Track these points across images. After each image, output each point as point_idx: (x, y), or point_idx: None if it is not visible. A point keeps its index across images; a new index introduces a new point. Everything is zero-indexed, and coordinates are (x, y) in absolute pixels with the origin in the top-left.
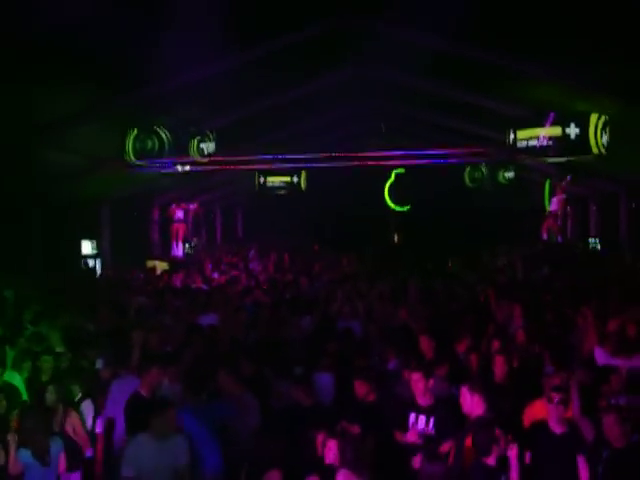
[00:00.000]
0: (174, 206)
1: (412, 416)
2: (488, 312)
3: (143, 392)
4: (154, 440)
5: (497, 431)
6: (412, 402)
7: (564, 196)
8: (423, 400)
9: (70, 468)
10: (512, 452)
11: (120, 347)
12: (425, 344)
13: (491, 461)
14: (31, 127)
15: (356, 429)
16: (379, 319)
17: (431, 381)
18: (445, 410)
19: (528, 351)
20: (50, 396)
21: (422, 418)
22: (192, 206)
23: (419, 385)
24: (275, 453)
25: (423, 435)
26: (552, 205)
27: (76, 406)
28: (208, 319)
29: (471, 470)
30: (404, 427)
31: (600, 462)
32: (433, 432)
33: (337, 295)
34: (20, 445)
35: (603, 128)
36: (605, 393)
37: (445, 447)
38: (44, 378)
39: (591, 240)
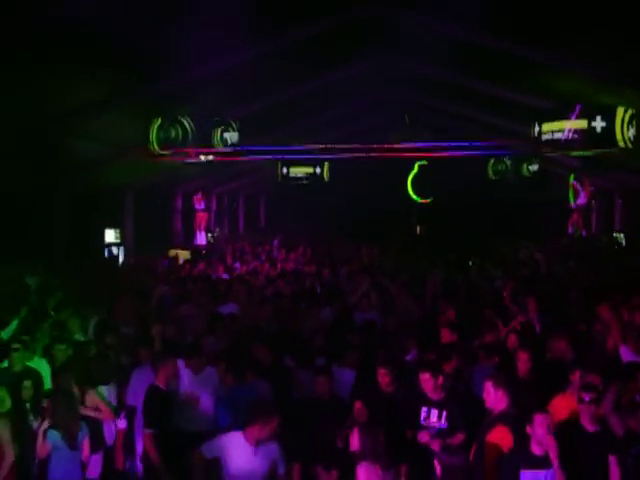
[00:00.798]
0: (197, 195)
1: (424, 410)
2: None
3: (159, 384)
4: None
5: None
6: (424, 396)
7: (592, 189)
8: (434, 395)
9: (92, 450)
10: (552, 445)
11: (141, 337)
12: (447, 337)
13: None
14: (55, 115)
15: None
16: (400, 312)
17: (440, 378)
18: (457, 403)
19: (549, 346)
20: (64, 383)
21: (434, 412)
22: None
23: (428, 384)
24: (292, 444)
25: (436, 429)
26: (580, 199)
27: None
28: (228, 308)
29: (512, 457)
30: (416, 421)
31: (629, 458)
32: (445, 426)
33: (358, 286)
34: (50, 427)
35: (630, 122)
36: (631, 390)
37: (457, 439)
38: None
39: (616, 235)
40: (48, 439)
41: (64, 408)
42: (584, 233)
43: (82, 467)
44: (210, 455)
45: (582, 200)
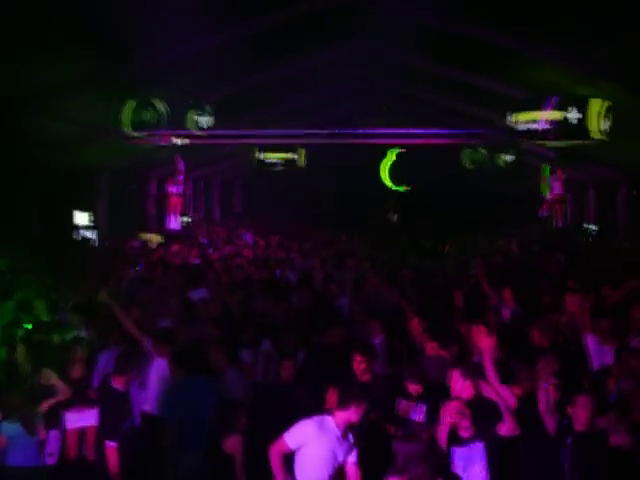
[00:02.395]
0: (171, 179)
1: (402, 403)
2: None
3: (118, 387)
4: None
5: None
6: (401, 389)
7: (563, 180)
8: (413, 389)
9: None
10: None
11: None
12: (415, 326)
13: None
14: (28, 95)
15: None
16: (368, 297)
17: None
18: (436, 397)
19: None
20: (19, 356)
21: (413, 405)
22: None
23: (411, 387)
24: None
25: (413, 422)
26: (555, 188)
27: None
28: (199, 293)
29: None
30: (391, 413)
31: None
32: (424, 420)
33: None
34: (4, 419)
35: (604, 113)
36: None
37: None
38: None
39: (588, 226)
40: (3, 432)
41: (19, 398)
42: (559, 224)
43: (40, 448)
44: (295, 444)
45: (556, 191)
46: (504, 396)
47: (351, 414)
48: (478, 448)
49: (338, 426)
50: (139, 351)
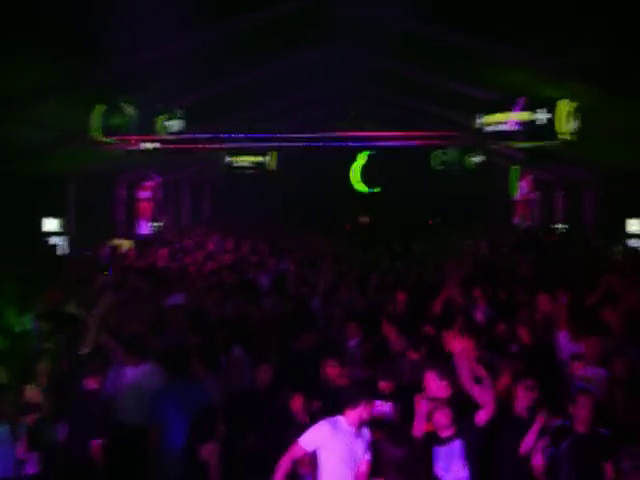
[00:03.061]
0: (141, 184)
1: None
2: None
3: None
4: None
5: None
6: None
7: (531, 181)
8: (384, 386)
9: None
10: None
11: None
12: (387, 329)
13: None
14: None
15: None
16: (342, 301)
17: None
18: (409, 396)
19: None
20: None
21: (383, 404)
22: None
23: (383, 385)
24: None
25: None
26: (522, 190)
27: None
28: (175, 299)
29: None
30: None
31: (560, 452)
32: (396, 418)
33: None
34: None
35: (571, 114)
36: None
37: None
38: None
39: (557, 226)
40: None
41: (9, 401)
42: (527, 224)
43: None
44: (312, 447)
45: (525, 192)
46: (479, 397)
47: (361, 412)
48: (457, 445)
49: (351, 425)
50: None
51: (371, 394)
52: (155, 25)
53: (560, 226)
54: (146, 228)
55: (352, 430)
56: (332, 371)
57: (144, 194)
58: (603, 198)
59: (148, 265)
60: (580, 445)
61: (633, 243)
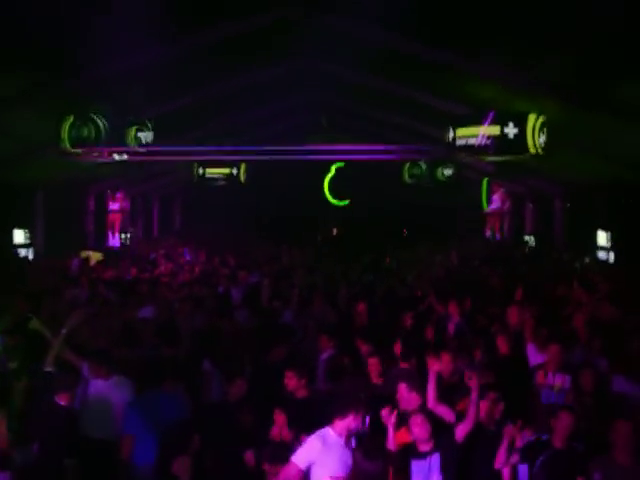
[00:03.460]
0: (110, 196)
1: None
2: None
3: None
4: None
5: None
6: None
7: (503, 193)
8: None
9: None
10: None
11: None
12: (360, 345)
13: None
14: None
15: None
16: (315, 314)
17: None
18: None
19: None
20: None
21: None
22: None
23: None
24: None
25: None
26: (494, 203)
27: None
28: (145, 312)
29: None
30: None
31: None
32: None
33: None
34: None
35: (541, 129)
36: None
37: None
38: None
39: (526, 237)
40: None
41: None
42: (498, 236)
43: None
44: (305, 464)
45: (496, 204)
46: (443, 414)
47: (350, 422)
48: (435, 459)
49: (340, 435)
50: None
51: (359, 404)
52: (126, 37)
53: (529, 238)
54: (116, 240)
55: (341, 441)
56: (290, 383)
57: (113, 205)
58: (571, 211)
59: (117, 277)
60: (556, 460)
61: (602, 255)
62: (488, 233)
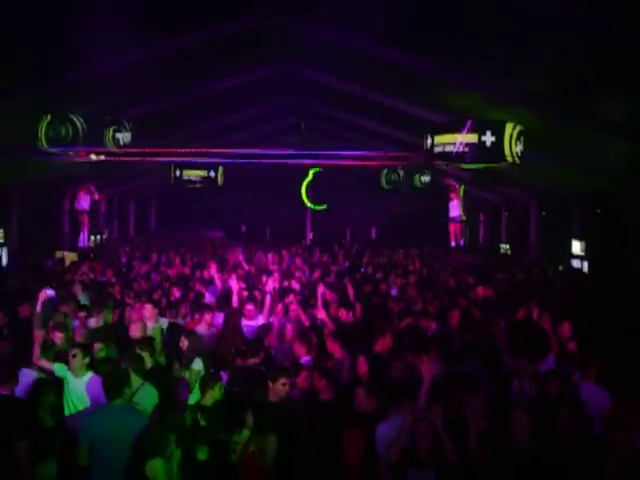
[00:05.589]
0: (80, 195)
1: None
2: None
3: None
4: None
5: None
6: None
7: (458, 201)
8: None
9: None
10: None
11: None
12: (330, 346)
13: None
14: None
15: None
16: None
17: None
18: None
19: None
20: None
21: None
22: (96, 196)
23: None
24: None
25: None
26: (452, 211)
27: None
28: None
29: None
30: None
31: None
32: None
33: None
34: None
35: (517, 137)
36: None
37: None
38: None
39: (502, 245)
40: None
41: None
42: (461, 243)
43: None
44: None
45: (455, 212)
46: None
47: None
48: (431, 475)
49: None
50: None
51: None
52: (106, 37)
53: (504, 246)
54: (85, 240)
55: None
56: (284, 389)
57: (84, 206)
58: (546, 219)
59: (91, 279)
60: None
61: (576, 264)
62: (452, 241)
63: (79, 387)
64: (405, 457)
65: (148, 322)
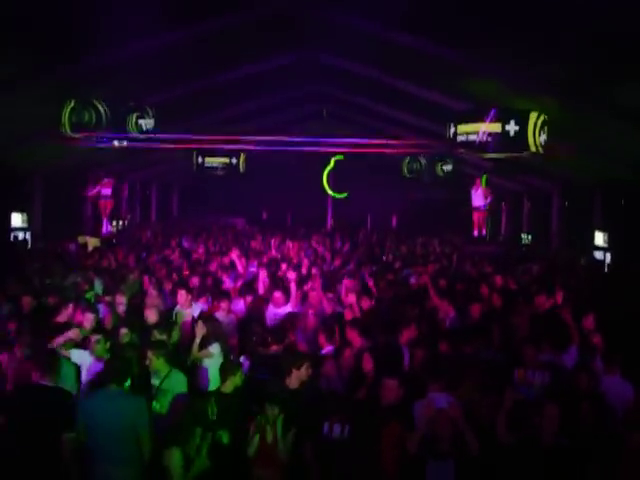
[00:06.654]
0: (103, 182)
1: (326, 425)
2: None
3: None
4: None
5: None
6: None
7: (484, 189)
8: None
9: None
10: None
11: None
12: (352, 335)
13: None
14: None
15: None
16: (314, 305)
17: None
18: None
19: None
20: None
21: (337, 426)
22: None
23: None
24: None
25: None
26: (476, 200)
27: None
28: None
29: None
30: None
31: None
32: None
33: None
34: None
35: (542, 127)
36: None
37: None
38: None
39: (523, 235)
40: None
41: None
42: (484, 233)
43: None
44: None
45: (478, 201)
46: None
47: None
48: (451, 466)
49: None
50: None
51: None
52: (129, 22)
53: (526, 237)
54: (107, 226)
55: None
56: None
57: (106, 191)
58: (568, 210)
59: (113, 265)
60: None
61: (599, 255)
62: (475, 232)
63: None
64: (424, 448)
65: (182, 308)
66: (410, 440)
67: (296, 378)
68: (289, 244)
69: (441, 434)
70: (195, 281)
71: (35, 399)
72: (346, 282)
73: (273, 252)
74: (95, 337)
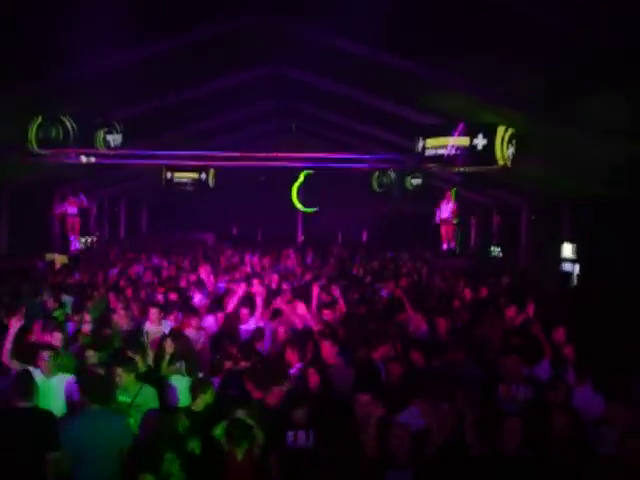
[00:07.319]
0: (68, 199)
1: (290, 435)
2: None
3: None
4: None
5: None
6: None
7: (452, 203)
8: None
9: None
10: None
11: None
12: (327, 349)
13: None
14: None
15: None
16: (285, 321)
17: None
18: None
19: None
20: None
21: (301, 434)
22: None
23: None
24: None
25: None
26: (444, 212)
27: None
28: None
29: None
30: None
31: None
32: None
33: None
34: None
35: (509, 140)
36: None
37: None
38: None
39: (493, 248)
40: None
41: None
42: (453, 246)
43: None
44: None
45: (445, 214)
46: None
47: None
48: (409, 474)
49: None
50: None
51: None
52: (97, 38)
53: (494, 249)
54: (76, 244)
55: None
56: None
57: (72, 209)
58: (536, 223)
59: (80, 282)
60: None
61: (567, 267)
62: (445, 245)
63: (55, 387)
64: (384, 458)
65: (152, 326)
66: (367, 447)
67: (277, 395)
68: (261, 260)
69: (397, 447)
70: (166, 297)
71: (13, 422)
72: (315, 290)
73: (247, 268)
74: (46, 353)
